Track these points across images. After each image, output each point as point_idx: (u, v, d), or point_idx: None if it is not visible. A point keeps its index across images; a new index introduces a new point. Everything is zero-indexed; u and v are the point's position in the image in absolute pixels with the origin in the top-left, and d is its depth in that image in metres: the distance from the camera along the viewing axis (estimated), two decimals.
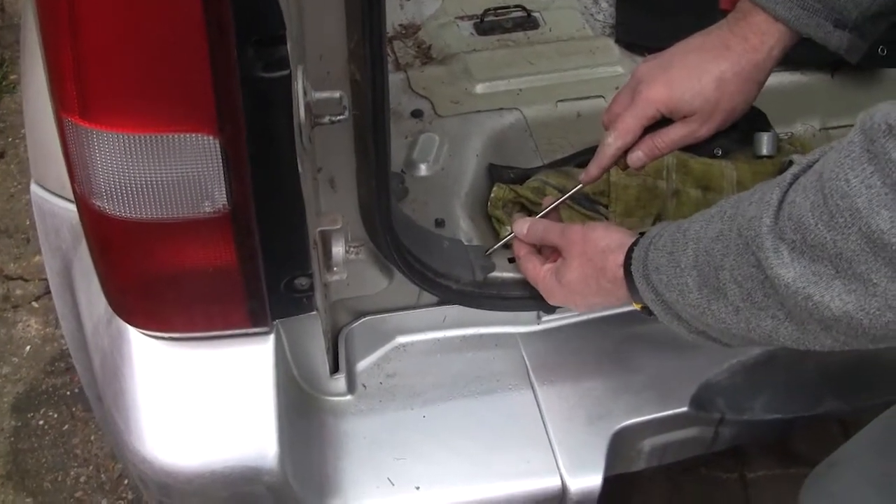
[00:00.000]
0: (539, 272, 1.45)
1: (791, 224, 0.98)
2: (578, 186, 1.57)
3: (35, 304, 2.92)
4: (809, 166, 1.01)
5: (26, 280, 2.98)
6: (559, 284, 1.41)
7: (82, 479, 2.52)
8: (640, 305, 1.29)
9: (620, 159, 1.51)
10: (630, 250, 1.30)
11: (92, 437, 2.59)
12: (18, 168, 3.27)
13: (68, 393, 2.69)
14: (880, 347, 1.00)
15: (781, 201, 1.01)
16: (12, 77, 3.57)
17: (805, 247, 0.97)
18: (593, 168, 1.52)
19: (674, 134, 1.48)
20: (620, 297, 1.33)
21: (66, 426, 2.63)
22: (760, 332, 1.09)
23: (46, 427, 2.63)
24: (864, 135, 0.91)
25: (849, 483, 1.50)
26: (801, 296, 0.98)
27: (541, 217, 1.56)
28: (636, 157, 1.50)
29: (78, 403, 2.65)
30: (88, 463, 2.55)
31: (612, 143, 1.49)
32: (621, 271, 1.30)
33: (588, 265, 1.36)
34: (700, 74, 1.43)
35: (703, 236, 1.14)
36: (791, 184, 1.02)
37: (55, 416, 2.65)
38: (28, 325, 2.87)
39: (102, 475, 2.52)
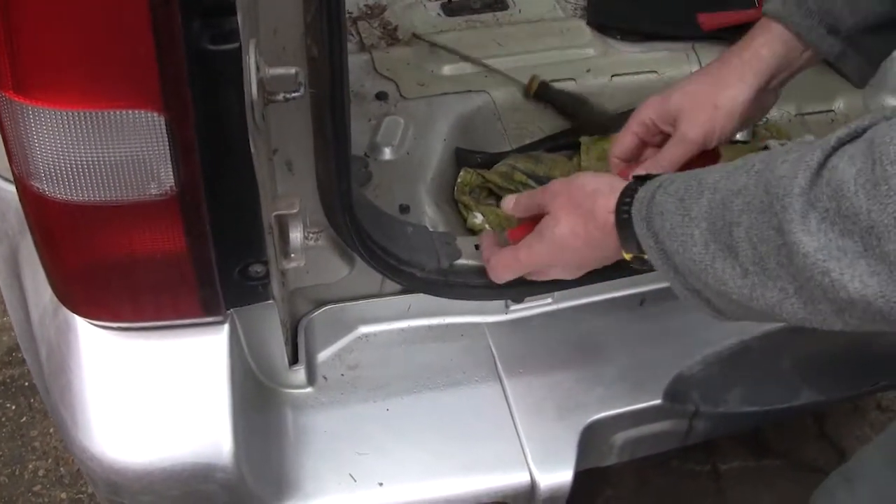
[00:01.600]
0: (510, 251, 1.37)
1: (829, 190, 0.91)
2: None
3: None
4: (857, 133, 0.95)
5: None
6: (543, 243, 1.32)
7: (41, 472, 2.47)
8: (630, 256, 1.22)
9: None
10: (624, 193, 1.22)
11: (51, 430, 2.54)
12: None
13: (26, 384, 2.64)
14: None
15: (822, 165, 0.94)
16: None
17: (837, 217, 0.90)
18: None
19: (668, 148, 1.44)
20: (610, 246, 1.24)
21: (24, 418, 2.58)
22: (763, 303, 1.02)
23: (3, 419, 2.58)
24: None
25: (866, 502, 1.46)
26: (818, 269, 0.92)
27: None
28: None
29: (36, 395, 2.60)
30: (47, 456, 2.50)
31: (611, 156, 1.50)
32: (612, 217, 1.22)
33: (575, 212, 1.28)
34: (690, 78, 1.45)
35: (722, 187, 1.06)
36: (836, 148, 0.95)
37: (13, 407, 2.61)
38: None
39: (62, 468, 2.48)
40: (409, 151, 1.72)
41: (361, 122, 1.75)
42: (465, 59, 1.92)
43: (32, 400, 2.60)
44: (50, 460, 2.49)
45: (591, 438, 1.47)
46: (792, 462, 2.47)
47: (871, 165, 0.88)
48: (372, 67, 1.89)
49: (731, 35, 1.96)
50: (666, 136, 1.45)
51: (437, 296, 1.48)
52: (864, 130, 0.94)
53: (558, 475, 1.42)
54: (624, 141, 1.48)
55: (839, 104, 2.01)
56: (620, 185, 1.24)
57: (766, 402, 1.63)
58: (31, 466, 2.48)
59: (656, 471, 2.42)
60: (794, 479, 2.42)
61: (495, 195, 1.73)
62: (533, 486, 1.41)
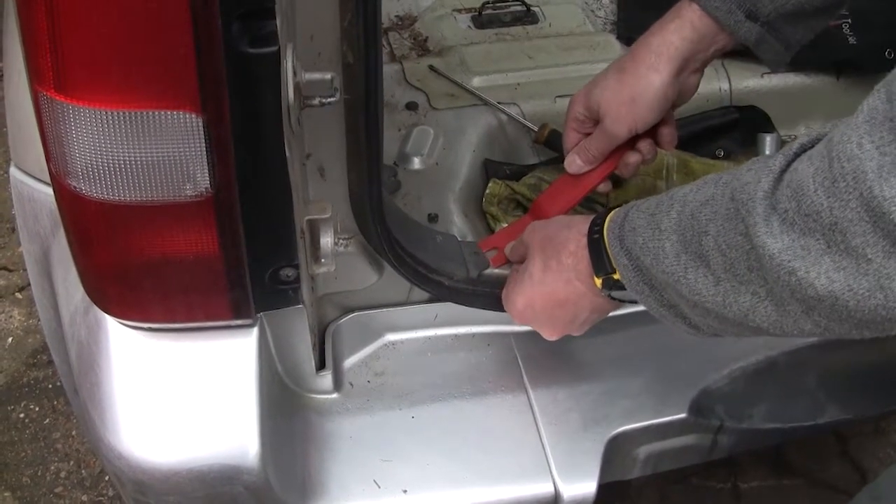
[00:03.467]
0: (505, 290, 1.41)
1: (789, 192, 0.92)
2: None
3: (18, 295, 2.88)
4: (818, 139, 0.95)
5: (10, 270, 2.94)
6: (518, 283, 1.35)
7: (62, 474, 2.48)
8: (600, 279, 1.22)
9: None
10: (596, 218, 1.25)
11: (73, 432, 2.55)
12: (5, 157, 3.23)
13: (50, 386, 2.65)
14: (864, 335, 0.95)
15: (784, 170, 0.96)
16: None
17: (798, 216, 0.91)
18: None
19: (594, 137, 1.52)
20: (583, 273, 1.25)
21: (48, 420, 2.59)
22: (737, 310, 1.03)
23: (27, 420, 2.59)
24: (890, 103, 0.85)
25: None
26: (784, 269, 0.93)
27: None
28: (570, 162, 1.56)
29: (60, 397, 2.60)
30: (69, 458, 2.51)
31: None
32: (584, 240, 1.24)
33: (549, 246, 1.30)
34: (609, 72, 1.49)
35: (691, 200, 1.08)
36: (797, 153, 0.96)
37: (36, 409, 2.61)
38: (11, 317, 2.83)
39: (83, 471, 2.48)
40: (438, 162, 1.72)
41: (391, 132, 1.75)
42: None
43: (56, 402, 2.61)
44: (72, 462, 2.50)
45: (615, 451, 1.47)
46: (813, 482, 2.45)
47: (828, 164, 0.89)
48: (402, 78, 1.89)
49: None
50: None
51: (465, 305, 1.48)
52: (825, 135, 0.95)
53: (582, 486, 1.41)
54: (568, 138, 1.55)
55: None
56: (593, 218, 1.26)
57: (790, 419, 1.62)
58: (52, 468, 2.49)
59: (677, 487, 2.41)
60: (814, 498, 2.41)
61: (523, 207, 1.73)
62: (556, 497, 1.41)
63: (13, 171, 1.46)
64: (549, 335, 1.37)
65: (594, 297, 1.27)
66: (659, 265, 1.10)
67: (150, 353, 1.25)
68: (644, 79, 1.42)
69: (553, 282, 1.30)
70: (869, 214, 0.85)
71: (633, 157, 1.54)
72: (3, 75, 1.61)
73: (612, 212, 1.22)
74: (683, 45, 1.41)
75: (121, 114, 0.97)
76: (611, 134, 1.48)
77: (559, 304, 1.31)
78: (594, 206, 1.73)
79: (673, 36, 1.41)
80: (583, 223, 1.27)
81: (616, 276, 1.20)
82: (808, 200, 0.90)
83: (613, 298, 1.25)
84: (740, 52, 1.52)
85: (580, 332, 1.37)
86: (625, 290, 1.20)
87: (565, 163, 1.55)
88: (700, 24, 1.40)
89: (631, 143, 1.52)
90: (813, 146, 0.96)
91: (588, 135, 1.53)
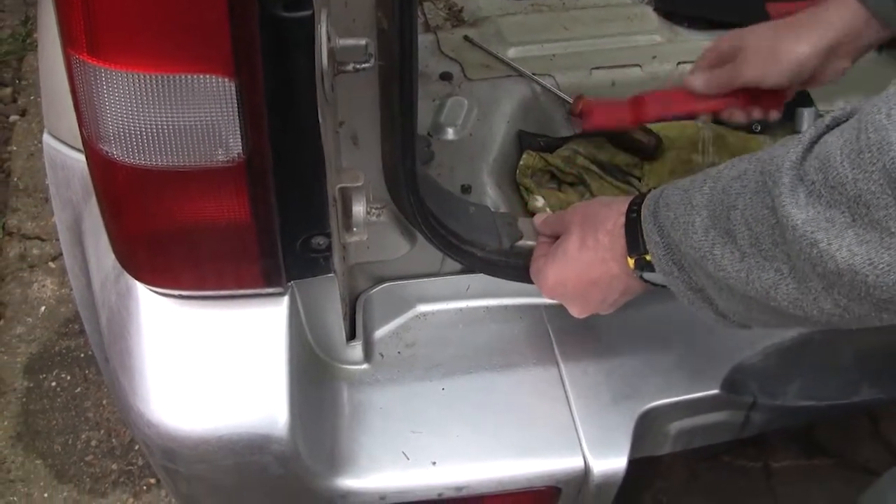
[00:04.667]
0: (534, 261, 1.40)
1: (817, 163, 0.92)
2: None
3: (52, 265, 2.89)
4: (853, 113, 0.94)
5: (43, 240, 2.95)
6: (553, 258, 1.34)
7: (93, 442, 2.49)
8: (633, 260, 1.21)
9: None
10: (636, 198, 1.24)
11: (104, 401, 2.56)
12: (39, 127, 3.23)
13: (82, 355, 2.66)
14: (882, 319, 0.94)
15: (815, 141, 0.95)
16: (36, 35, 3.53)
17: (824, 188, 0.90)
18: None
19: (719, 70, 1.54)
20: (617, 253, 1.24)
21: (79, 389, 2.60)
22: (759, 287, 1.02)
23: (59, 389, 2.60)
24: None
25: None
26: (806, 241, 0.92)
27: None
28: (691, 79, 1.57)
29: (91, 366, 2.62)
30: (100, 427, 2.52)
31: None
32: (623, 219, 1.23)
33: (588, 221, 1.30)
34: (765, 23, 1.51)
35: (724, 175, 1.07)
36: (829, 126, 0.95)
37: (68, 378, 2.63)
38: (44, 286, 2.84)
39: (113, 440, 2.49)
40: (471, 133, 1.71)
41: (425, 102, 1.74)
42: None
43: (87, 371, 2.62)
44: (102, 431, 2.51)
45: (646, 426, 1.45)
46: (844, 462, 2.43)
47: (856, 135, 0.88)
48: (437, 48, 1.88)
49: None
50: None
51: (497, 276, 1.47)
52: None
53: (612, 462, 1.40)
54: (700, 63, 1.57)
55: None
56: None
57: (824, 397, 1.61)
58: (83, 436, 2.50)
59: (707, 465, 2.40)
60: (845, 479, 2.39)
61: (557, 179, 1.72)
62: (587, 471, 1.39)
63: (46, 138, 1.46)
64: (578, 313, 1.36)
65: (627, 278, 1.26)
66: (688, 240, 1.09)
67: (181, 320, 1.25)
68: (792, 43, 1.45)
69: (588, 260, 1.29)
70: (891, 186, 0.84)
71: (738, 114, 1.59)
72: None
73: (653, 191, 1.21)
74: (839, 25, 1.42)
75: (153, 77, 0.96)
76: (737, 75, 1.51)
77: (592, 283, 1.30)
78: (629, 178, 1.72)
79: (832, 16, 1.43)
80: (623, 203, 1.26)
81: (648, 257, 1.19)
82: (833, 172, 0.89)
83: (645, 281, 1.24)
84: None
85: (608, 312, 1.36)
86: (655, 271, 1.19)
87: (686, 78, 1.57)
88: (858, 13, 1.41)
89: (747, 99, 1.55)
90: (847, 120, 0.95)
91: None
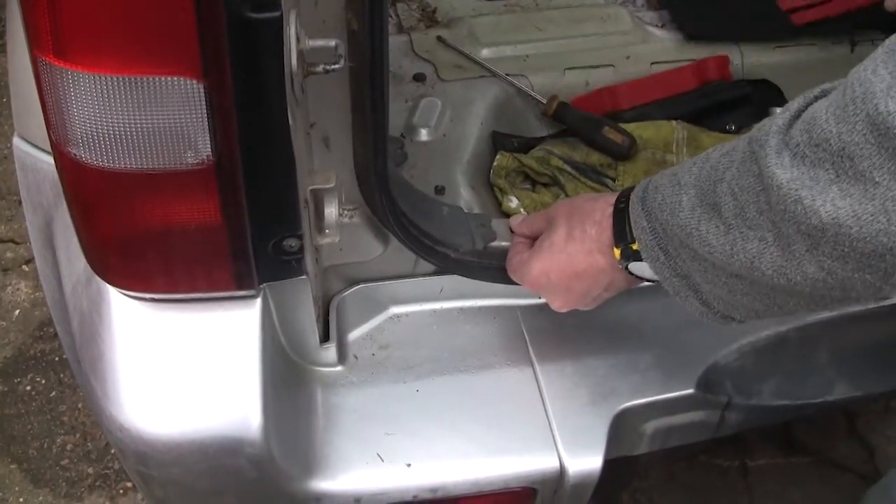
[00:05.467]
0: (513, 256, 1.40)
1: (803, 125, 0.92)
2: None
3: (25, 268, 2.88)
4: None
5: (17, 243, 2.94)
6: (538, 250, 1.34)
7: (69, 447, 2.48)
8: (619, 250, 1.22)
9: None
10: (626, 190, 1.25)
11: (79, 405, 2.55)
12: (12, 130, 3.21)
13: (57, 359, 2.65)
14: (866, 280, 0.94)
15: (802, 110, 0.96)
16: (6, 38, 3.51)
17: (808, 148, 0.91)
18: None
19: None
20: (604, 244, 1.25)
21: (54, 392, 2.59)
22: (744, 258, 1.02)
23: (34, 393, 2.59)
24: None
25: None
26: (791, 199, 0.92)
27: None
28: None
29: (66, 370, 2.61)
30: (75, 431, 2.51)
31: None
32: (611, 209, 1.24)
33: (575, 214, 1.30)
34: None
35: (713, 154, 1.09)
36: (817, 96, 0.97)
37: (43, 381, 2.62)
38: (18, 289, 2.83)
39: (89, 444, 2.49)
40: (445, 133, 1.71)
41: (398, 104, 1.73)
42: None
43: (62, 375, 2.61)
44: (78, 435, 2.50)
45: (621, 426, 1.46)
46: (821, 460, 2.45)
47: (842, 93, 0.89)
48: (410, 49, 1.88)
49: None
50: None
51: (471, 277, 1.47)
52: None
53: (588, 461, 1.40)
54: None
55: None
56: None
57: (800, 395, 1.61)
58: (59, 441, 2.49)
59: (684, 465, 2.41)
60: (823, 477, 2.41)
61: (531, 180, 1.72)
62: (562, 471, 1.39)
63: (16, 141, 1.45)
64: (559, 306, 1.36)
65: (612, 271, 1.27)
66: (674, 219, 1.10)
67: (152, 323, 1.24)
68: None
69: (575, 252, 1.29)
70: (874, 134, 0.85)
71: None
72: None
73: (642, 180, 1.22)
74: None
75: (120, 79, 0.95)
76: None
77: (577, 275, 1.30)
78: (603, 178, 1.72)
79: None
80: (611, 195, 1.27)
81: (634, 246, 1.20)
82: (818, 129, 0.90)
83: (630, 274, 1.24)
84: None
85: (589, 308, 1.37)
86: (641, 260, 1.20)
87: None
88: None
89: None
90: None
91: None
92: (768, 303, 1.07)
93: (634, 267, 1.22)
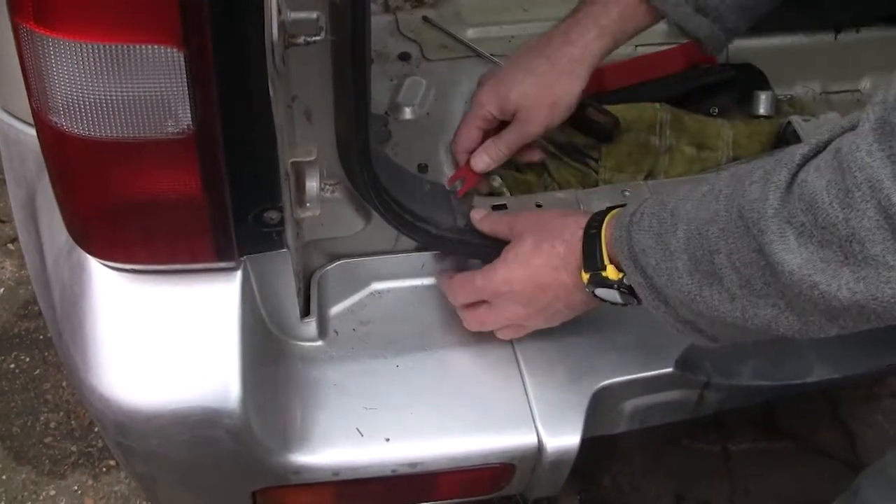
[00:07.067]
0: (468, 274, 1.42)
1: (802, 205, 0.92)
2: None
3: (10, 247, 2.87)
4: (820, 148, 0.96)
5: (3, 221, 2.93)
6: (502, 264, 1.35)
7: (52, 424, 2.47)
8: (588, 275, 1.24)
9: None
10: (595, 216, 1.26)
11: (63, 383, 2.55)
12: None
13: (41, 337, 2.64)
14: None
15: (790, 182, 0.96)
16: None
17: (815, 229, 0.91)
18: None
19: (507, 135, 1.52)
20: (571, 265, 1.27)
21: (38, 371, 2.59)
22: (758, 322, 1.03)
23: (17, 371, 2.58)
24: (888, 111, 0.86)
25: None
26: (805, 284, 0.93)
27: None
28: (479, 160, 1.54)
29: (50, 348, 2.60)
30: (59, 409, 2.51)
31: (457, 151, 1.56)
32: (581, 233, 1.26)
33: (543, 229, 1.32)
34: (522, 74, 1.48)
35: (696, 217, 1.08)
36: (801, 165, 0.96)
37: (27, 360, 2.61)
38: (2, 267, 2.82)
39: (73, 422, 2.48)
40: (429, 112, 1.71)
41: (383, 82, 1.74)
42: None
43: (47, 353, 2.61)
44: (62, 413, 2.49)
45: (600, 404, 1.46)
46: (803, 445, 2.45)
47: (841, 175, 0.89)
48: (396, 28, 1.88)
49: None
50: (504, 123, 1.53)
51: (452, 254, 1.48)
52: (826, 144, 0.96)
53: (566, 439, 1.40)
54: (469, 136, 1.55)
55: (865, 84, 1.99)
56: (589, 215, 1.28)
57: (779, 377, 1.61)
58: (42, 418, 2.48)
59: (666, 449, 2.41)
60: (805, 462, 2.41)
61: (513, 161, 1.72)
62: (540, 448, 1.40)
63: None
64: (519, 315, 1.38)
65: (574, 291, 1.29)
66: (674, 284, 1.11)
67: (133, 294, 1.24)
68: (565, 85, 1.48)
69: (541, 266, 1.31)
70: (888, 222, 0.86)
71: (537, 155, 1.65)
72: None
73: (612, 216, 1.24)
74: (602, 51, 1.49)
75: (101, 47, 0.95)
76: (528, 134, 1.52)
77: (540, 287, 1.32)
78: (587, 159, 1.72)
79: (595, 44, 1.48)
80: (581, 216, 1.28)
81: (604, 274, 1.22)
82: (823, 213, 0.90)
83: (596, 296, 1.26)
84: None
85: (544, 325, 1.40)
86: (611, 288, 1.23)
87: (473, 161, 1.55)
88: (637, 12, 1.47)
89: None
90: (815, 155, 0.96)
91: (487, 132, 1.55)
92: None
93: (601, 292, 1.25)
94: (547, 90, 1.47)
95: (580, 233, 1.26)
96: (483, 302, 1.40)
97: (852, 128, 0.93)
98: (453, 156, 1.59)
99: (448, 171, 1.61)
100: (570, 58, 1.46)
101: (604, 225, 1.24)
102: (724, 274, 1.03)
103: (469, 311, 1.43)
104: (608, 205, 1.30)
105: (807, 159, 0.96)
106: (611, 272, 1.22)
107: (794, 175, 0.96)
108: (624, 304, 1.25)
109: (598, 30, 1.45)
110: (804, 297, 0.95)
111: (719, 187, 1.07)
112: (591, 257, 1.23)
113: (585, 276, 1.24)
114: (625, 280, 1.20)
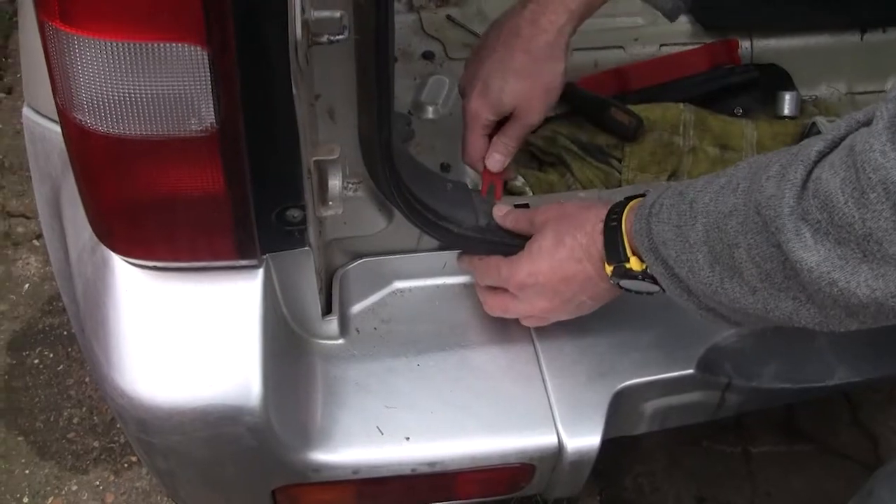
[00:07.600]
0: (494, 260, 1.42)
1: (817, 202, 0.92)
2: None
3: (36, 243, 2.88)
4: (835, 143, 0.96)
5: (28, 218, 2.94)
6: (525, 256, 1.36)
7: (75, 420, 2.48)
8: (611, 267, 1.24)
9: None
10: (613, 207, 1.26)
11: (86, 379, 2.56)
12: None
13: (65, 333, 2.65)
14: None
15: (806, 179, 0.95)
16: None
17: (831, 227, 0.91)
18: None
19: (512, 130, 1.50)
20: (594, 256, 1.27)
21: (61, 366, 2.60)
22: (780, 313, 1.03)
23: (41, 366, 2.59)
24: None
25: None
26: (824, 281, 0.93)
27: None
28: (493, 161, 1.52)
29: (74, 344, 2.61)
30: (82, 404, 2.52)
31: (471, 163, 1.54)
32: (601, 225, 1.26)
33: (565, 222, 1.32)
34: (506, 74, 1.45)
35: (714, 210, 1.08)
36: (816, 161, 0.96)
37: (51, 355, 2.62)
38: (28, 263, 2.83)
39: (95, 417, 2.49)
40: (452, 112, 1.71)
41: (407, 81, 1.74)
42: None
43: (70, 349, 2.62)
44: (84, 409, 2.50)
45: (621, 405, 1.46)
46: (824, 448, 2.44)
47: (855, 174, 0.89)
48: (419, 27, 1.89)
49: None
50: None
51: (474, 253, 1.47)
52: (841, 139, 0.95)
53: (586, 440, 1.40)
54: (476, 145, 1.52)
55: (891, 84, 1.98)
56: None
57: (800, 379, 1.61)
58: (66, 414, 2.49)
59: (687, 450, 2.40)
60: (824, 465, 2.40)
61: (537, 159, 1.72)
62: (560, 448, 1.40)
63: (26, 111, 1.45)
64: (544, 308, 1.38)
65: (599, 281, 1.29)
66: (695, 276, 1.11)
67: (156, 291, 1.25)
68: (552, 70, 1.46)
69: (564, 258, 1.31)
70: None
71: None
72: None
73: (631, 207, 1.24)
74: (573, 28, 1.46)
75: (125, 45, 0.96)
76: (531, 124, 1.51)
77: (565, 279, 1.32)
78: (610, 159, 1.72)
79: (567, 27, 1.45)
80: (601, 208, 1.28)
81: (628, 265, 1.22)
82: (839, 213, 0.90)
83: (621, 287, 1.26)
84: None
85: (570, 316, 1.40)
86: (636, 279, 1.22)
87: (488, 164, 1.53)
88: None
89: None
90: (830, 151, 0.96)
91: (491, 134, 1.53)
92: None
93: (626, 283, 1.25)
94: (537, 82, 1.46)
95: (601, 224, 1.26)
96: (506, 289, 1.40)
97: (867, 122, 0.92)
98: (470, 167, 1.59)
99: (471, 172, 1.61)
100: (546, 44, 1.45)
101: (623, 216, 1.24)
102: (745, 268, 1.03)
103: (491, 294, 1.43)
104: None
105: (822, 155, 0.96)
106: (634, 263, 1.22)
107: (810, 172, 0.96)
108: (650, 294, 1.25)
109: (567, 14, 1.43)
110: (824, 294, 0.95)
111: (737, 180, 1.07)
112: (613, 249, 1.23)
113: (609, 268, 1.24)
114: (648, 270, 1.20)
